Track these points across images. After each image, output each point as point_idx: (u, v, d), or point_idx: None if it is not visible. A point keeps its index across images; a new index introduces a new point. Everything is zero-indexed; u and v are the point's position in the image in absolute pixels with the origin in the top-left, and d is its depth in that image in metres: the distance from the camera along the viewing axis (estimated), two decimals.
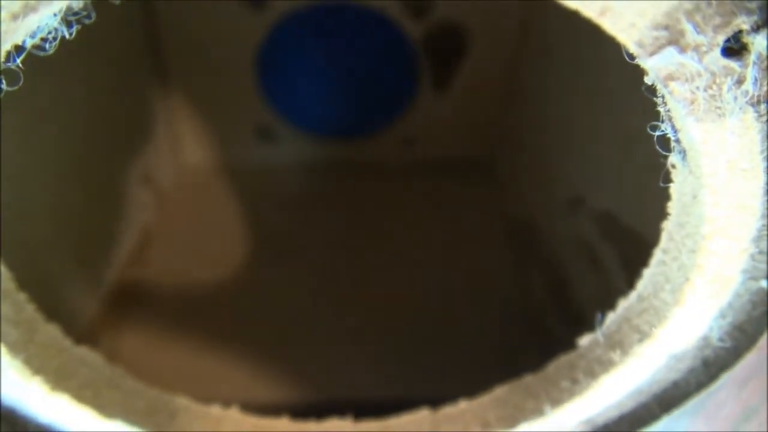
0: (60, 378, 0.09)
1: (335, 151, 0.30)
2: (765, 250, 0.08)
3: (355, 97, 0.28)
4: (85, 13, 0.07)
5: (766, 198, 0.07)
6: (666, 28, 0.06)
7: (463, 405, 0.12)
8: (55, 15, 0.07)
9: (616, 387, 0.10)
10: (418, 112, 0.29)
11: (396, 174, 0.30)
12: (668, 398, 0.10)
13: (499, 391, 0.12)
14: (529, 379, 0.12)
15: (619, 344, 0.10)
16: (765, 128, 0.07)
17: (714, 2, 0.06)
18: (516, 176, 0.28)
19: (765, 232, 0.08)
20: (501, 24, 0.25)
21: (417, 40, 0.25)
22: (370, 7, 0.24)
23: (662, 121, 0.08)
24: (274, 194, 0.29)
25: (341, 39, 0.26)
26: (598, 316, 0.11)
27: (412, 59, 0.27)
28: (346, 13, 0.25)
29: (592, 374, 0.11)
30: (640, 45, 0.06)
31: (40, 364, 0.10)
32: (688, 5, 0.06)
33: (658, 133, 0.08)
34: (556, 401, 0.11)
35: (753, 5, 0.06)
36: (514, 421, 0.11)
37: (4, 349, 0.09)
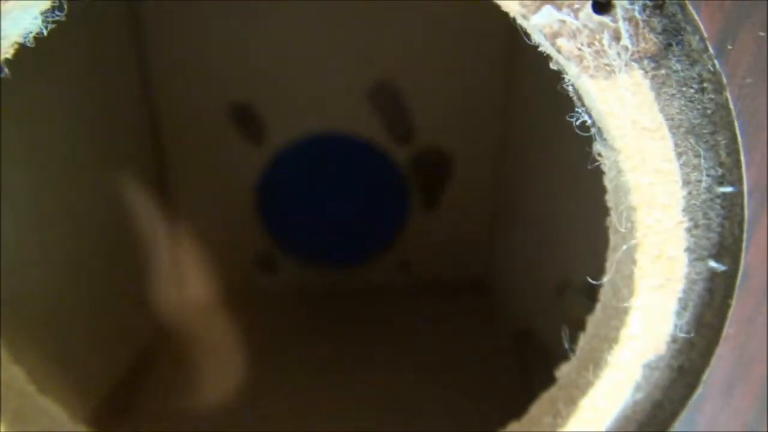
0: (17, 422, 0.09)
1: (332, 278, 0.31)
2: (701, 223, 0.08)
3: (349, 224, 0.29)
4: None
5: (681, 162, 0.07)
6: None
7: None
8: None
9: (597, 412, 0.09)
10: (410, 235, 0.30)
11: (392, 296, 0.30)
12: (656, 423, 0.10)
13: None
14: (514, 426, 0.11)
15: (591, 360, 0.10)
16: (656, 85, 0.07)
17: None
18: (513, 287, 0.28)
19: (693, 202, 0.08)
20: (481, 143, 0.27)
21: (404, 165, 0.27)
22: (358, 136, 0.26)
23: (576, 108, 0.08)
24: (273, 320, 0.29)
25: (333, 168, 0.27)
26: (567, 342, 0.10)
27: (402, 184, 0.28)
28: (337, 144, 0.27)
29: (572, 401, 0.10)
30: (523, 6, 0.07)
31: None
32: None
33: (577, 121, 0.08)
34: None
35: None
36: None
37: None
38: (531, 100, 0.22)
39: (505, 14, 0.07)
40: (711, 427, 0.09)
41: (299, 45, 0.22)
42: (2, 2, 0.07)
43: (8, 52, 0.08)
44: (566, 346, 0.10)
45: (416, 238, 0.30)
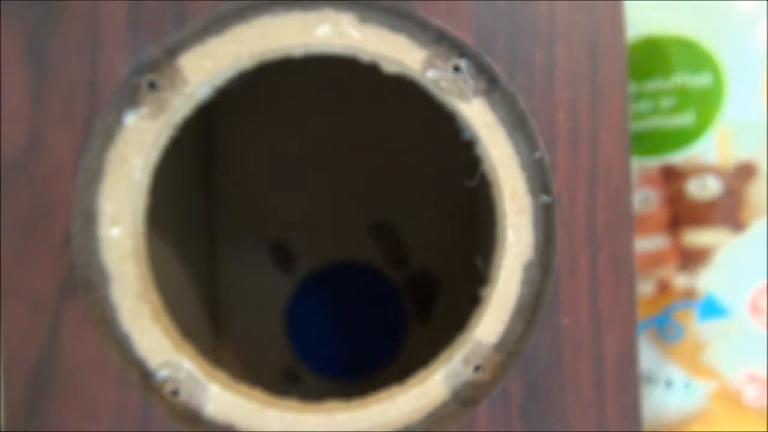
0: None
1: (345, 388, 0.36)
2: (532, 174, 0.15)
3: (360, 341, 0.36)
4: None
5: (512, 141, 0.15)
6: (427, 63, 0.15)
7: None
8: None
9: (502, 301, 0.15)
10: (409, 347, 0.35)
11: None
12: (537, 305, 0.15)
13: None
14: None
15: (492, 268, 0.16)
16: (491, 104, 0.15)
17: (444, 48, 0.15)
18: None
19: (525, 163, 0.15)
20: (464, 263, 0.34)
21: (401, 286, 0.34)
22: (365, 263, 0.34)
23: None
24: None
25: (348, 292, 0.35)
26: None
27: (400, 302, 0.35)
28: (350, 270, 0.34)
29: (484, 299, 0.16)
30: (421, 67, 0.15)
31: None
32: (426, 54, 0.15)
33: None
34: None
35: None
36: None
37: None
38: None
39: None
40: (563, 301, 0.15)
41: (318, 192, 0.31)
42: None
43: None
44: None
45: (415, 350, 0.36)
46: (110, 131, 0.15)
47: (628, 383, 0.15)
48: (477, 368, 0.15)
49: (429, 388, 0.15)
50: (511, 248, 0.15)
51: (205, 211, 0.30)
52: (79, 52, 0.14)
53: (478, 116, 0.15)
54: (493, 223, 0.16)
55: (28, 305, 0.14)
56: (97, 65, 0.14)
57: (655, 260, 0.22)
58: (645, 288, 0.23)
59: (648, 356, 0.23)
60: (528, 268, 0.15)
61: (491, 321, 0.15)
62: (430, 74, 0.15)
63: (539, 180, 0.15)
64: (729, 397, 0.22)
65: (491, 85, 0.15)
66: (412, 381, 0.15)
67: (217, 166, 0.30)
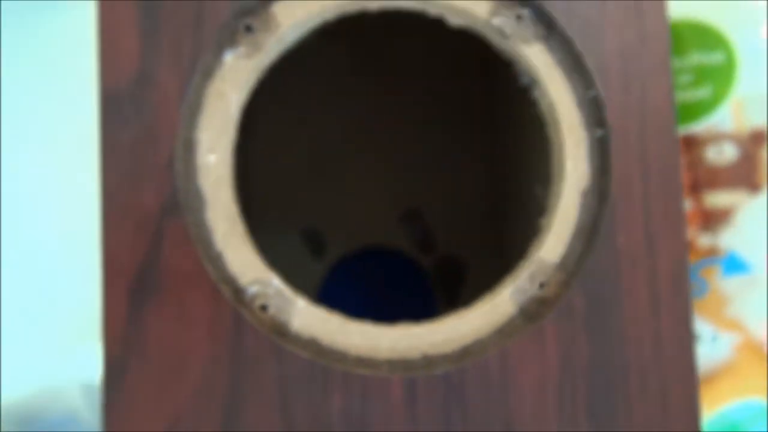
0: None
1: None
2: (587, 112, 0.17)
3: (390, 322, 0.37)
4: None
5: (571, 84, 0.17)
6: (493, 12, 0.17)
7: None
8: None
9: (566, 219, 0.17)
10: None
11: None
12: (594, 226, 0.17)
13: None
14: None
15: (555, 193, 0.17)
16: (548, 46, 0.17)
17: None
18: None
19: (581, 102, 0.17)
20: (488, 248, 0.36)
21: (429, 270, 0.35)
22: (395, 248, 0.35)
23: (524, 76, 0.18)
24: None
25: (377, 277, 0.36)
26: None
27: (429, 287, 0.36)
28: (380, 255, 0.35)
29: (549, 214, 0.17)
30: (486, 13, 0.17)
31: None
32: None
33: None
34: None
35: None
36: None
37: None
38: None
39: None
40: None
41: (349, 180, 0.32)
42: None
43: None
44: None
45: None
46: (210, 68, 0.16)
47: (681, 296, 0.16)
48: (541, 285, 0.17)
49: (497, 304, 0.17)
50: (570, 177, 0.17)
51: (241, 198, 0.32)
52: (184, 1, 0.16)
53: (539, 58, 0.17)
54: (550, 159, 0.17)
55: (133, 221, 0.16)
56: (202, 10, 0.16)
57: None
58: None
59: None
60: (586, 194, 0.17)
61: (553, 242, 0.17)
62: (496, 21, 0.17)
63: (594, 115, 0.17)
64: (754, 349, 0.24)
65: (549, 32, 0.17)
66: (481, 300, 0.17)
67: (250, 154, 0.31)
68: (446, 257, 0.35)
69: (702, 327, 0.24)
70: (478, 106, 0.29)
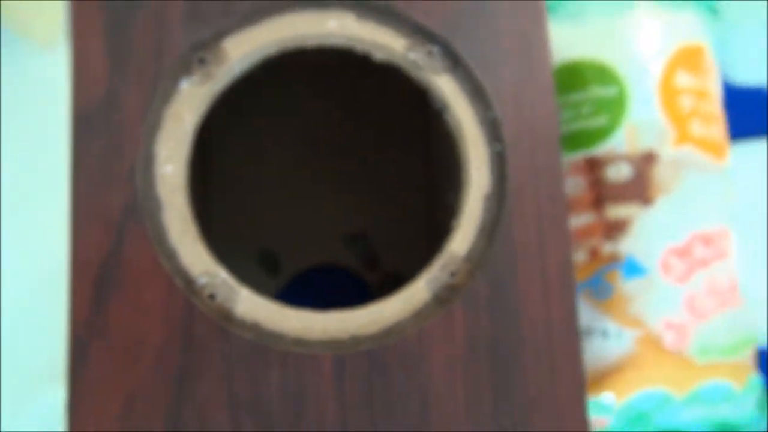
0: None
1: None
2: (483, 124, 0.20)
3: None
4: None
5: (473, 110, 0.20)
6: (408, 48, 0.20)
7: None
8: None
9: (471, 220, 0.20)
10: None
11: None
12: (494, 225, 0.20)
13: None
14: None
15: (463, 199, 0.20)
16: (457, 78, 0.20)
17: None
18: None
19: (479, 119, 0.20)
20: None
21: (374, 285, 0.38)
22: (343, 266, 0.38)
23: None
24: None
25: (328, 291, 0.38)
26: None
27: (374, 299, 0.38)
28: (330, 272, 0.38)
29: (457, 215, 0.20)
30: (403, 48, 0.20)
31: None
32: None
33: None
34: None
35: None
36: None
37: None
38: None
39: None
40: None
41: (301, 203, 0.35)
42: None
43: None
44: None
45: None
46: (168, 94, 0.19)
47: (567, 283, 0.19)
48: (452, 274, 0.19)
49: (414, 291, 0.19)
50: (474, 184, 0.20)
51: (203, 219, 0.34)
52: (149, 34, 0.19)
53: (447, 87, 0.20)
54: (459, 170, 0.21)
55: (99, 222, 0.18)
56: (162, 43, 0.19)
57: (586, 233, 0.28)
58: (579, 256, 0.28)
59: (586, 312, 0.27)
60: (487, 198, 0.20)
61: (461, 238, 0.20)
62: (411, 56, 0.20)
63: (493, 133, 0.20)
64: (652, 342, 0.27)
65: (455, 65, 0.20)
66: (401, 289, 0.20)
67: (211, 179, 0.34)
68: (390, 273, 0.37)
69: (608, 324, 0.27)
70: (415, 131, 0.33)
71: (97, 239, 0.18)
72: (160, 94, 0.19)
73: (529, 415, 0.18)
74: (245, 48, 0.20)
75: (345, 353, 0.18)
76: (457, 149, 0.21)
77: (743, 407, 0.29)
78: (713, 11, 0.33)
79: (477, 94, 0.20)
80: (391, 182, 0.34)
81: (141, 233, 0.18)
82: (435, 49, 0.20)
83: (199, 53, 0.19)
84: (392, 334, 0.19)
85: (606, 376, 0.27)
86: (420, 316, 0.19)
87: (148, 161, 0.19)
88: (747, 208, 0.35)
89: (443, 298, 0.19)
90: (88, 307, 0.18)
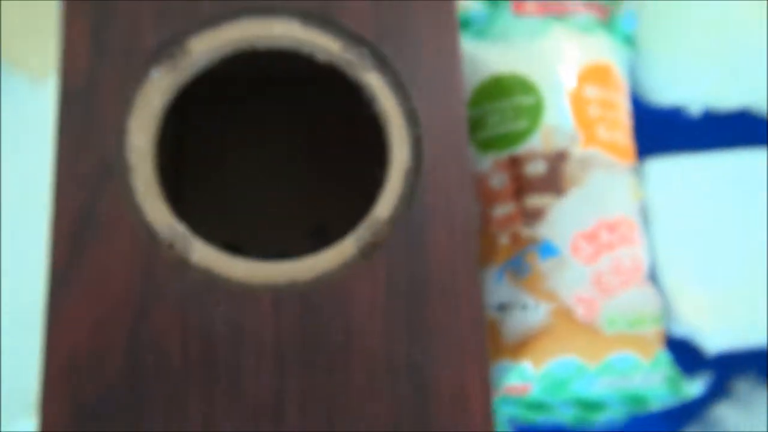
0: None
1: None
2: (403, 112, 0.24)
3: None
4: None
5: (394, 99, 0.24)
6: (344, 50, 0.24)
7: None
8: None
9: (391, 191, 0.24)
10: None
11: None
12: (412, 194, 0.24)
13: None
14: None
15: (389, 175, 0.24)
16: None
17: None
18: None
19: (403, 111, 0.24)
20: None
21: None
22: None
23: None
24: None
25: None
26: None
27: None
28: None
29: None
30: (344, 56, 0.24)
31: None
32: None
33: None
34: None
35: None
36: None
37: None
38: None
39: None
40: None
41: (268, 204, 0.38)
42: None
43: None
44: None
45: None
46: (141, 81, 0.23)
47: (470, 243, 0.23)
48: (375, 233, 0.23)
49: (344, 247, 0.23)
50: (396, 161, 0.24)
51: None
52: (125, 31, 0.23)
53: (375, 82, 0.25)
54: (385, 150, 0.25)
55: (78, 182, 0.22)
56: (136, 39, 0.23)
57: (508, 220, 0.32)
58: (502, 240, 0.32)
59: (508, 289, 0.31)
60: (407, 172, 0.24)
61: (384, 205, 0.24)
62: (346, 56, 0.25)
63: (412, 120, 0.24)
64: (565, 314, 0.30)
65: (381, 63, 0.25)
66: (333, 245, 0.23)
67: (185, 176, 0.38)
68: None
69: (527, 299, 0.31)
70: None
71: (74, 196, 0.22)
72: (133, 80, 0.23)
73: (436, 347, 0.22)
74: (206, 46, 0.24)
75: (282, 293, 0.22)
76: (383, 133, 0.25)
77: (652, 380, 0.32)
78: (627, 39, 0.38)
79: (399, 88, 0.25)
80: (351, 179, 0.38)
81: (113, 192, 0.22)
82: (365, 50, 0.25)
83: (168, 48, 0.24)
84: (323, 279, 0.22)
85: (525, 344, 0.30)
86: (347, 266, 0.23)
87: (120, 133, 0.23)
88: (668, 209, 0.40)
89: (366, 252, 0.23)
90: (67, 252, 0.21)
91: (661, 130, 0.43)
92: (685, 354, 0.39)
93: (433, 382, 0.22)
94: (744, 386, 0.39)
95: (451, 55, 0.25)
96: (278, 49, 0.25)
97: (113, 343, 0.21)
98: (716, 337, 0.39)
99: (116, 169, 0.22)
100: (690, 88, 0.42)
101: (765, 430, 0.38)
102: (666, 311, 0.37)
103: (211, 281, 0.22)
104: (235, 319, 0.21)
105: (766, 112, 0.42)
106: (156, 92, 0.23)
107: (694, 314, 0.39)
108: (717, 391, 0.39)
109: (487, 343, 0.22)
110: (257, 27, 0.24)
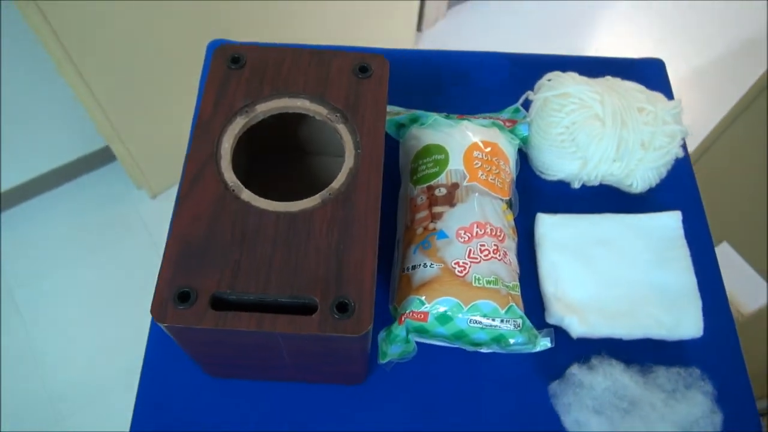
0: None
1: None
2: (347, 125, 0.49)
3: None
4: None
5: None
6: (329, 114, 0.50)
7: None
8: None
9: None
10: None
11: None
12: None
13: None
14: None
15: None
16: None
17: None
18: None
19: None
20: None
21: None
22: None
23: None
24: None
25: None
26: None
27: None
28: None
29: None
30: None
31: None
32: None
33: None
34: None
35: None
36: None
37: None
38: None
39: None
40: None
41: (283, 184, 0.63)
42: None
43: None
44: None
45: None
46: (231, 120, 0.50)
47: (375, 204, 0.47)
48: (330, 194, 0.47)
49: (315, 199, 0.47)
50: (347, 164, 0.49)
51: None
52: (227, 100, 0.50)
53: (342, 129, 0.50)
54: (342, 160, 0.49)
55: (197, 160, 0.48)
56: (232, 104, 0.50)
57: (424, 220, 0.55)
58: (419, 231, 0.54)
59: (419, 256, 0.53)
60: (351, 169, 0.48)
61: (337, 182, 0.48)
62: (330, 116, 0.50)
63: (357, 146, 0.49)
64: (449, 271, 0.52)
65: (345, 119, 0.50)
66: (311, 197, 0.47)
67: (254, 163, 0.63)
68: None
69: (428, 261, 0.53)
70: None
71: (196, 164, 0.47)
72: (228, 120, 0.50)
73: (351, 242, 0.45)
74: (263, 108, 0.51)
75: (281, 216, 0.46)
76: (342, 151, 0.50)
77: (508, 325, 0.52)
78: (522, 139, 0.63)
79: (353, 132, 0.50)
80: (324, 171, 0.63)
81: (212, 165, 0.48)
82: (339, 114, 0.50)
83: (245, 108, 0.50)
84: (303, 212, 0.46)
85: (424, 287, 0.52)
86: (314, 207, 0.47)
87: (219, 141, 0.49)
88: (550, 245, 0.61)
89: (325, 202, 0.47)
90: (188, 186, 0.46)
91: (551, 195, 0.65)
92: (559, 334, 0.58)
93: (347, 257, 0.44)
94: (595, 358, 0.57)
95: (379, 121, 0.50)
96: (297, 111, 0.51)
97: (202, 227, 0.45)
98: (575, 327, 0.58)
99: (214, 156, 0.48)
100: (567, 171, 0.65)
101: (602, 382, 0.55)
102: (546, 305, 0.57)
103: (248, 206, 0.46)
104: (257, 224, 0.45)
105: (619, 188, 0.65)
106: (237, 125, 0.50)
107: (561, 311, 0.58)
108: (576, 359, 0.57)
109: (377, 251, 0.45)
110: (288, 101, 0.51)
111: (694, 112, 1.76)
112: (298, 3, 1.43)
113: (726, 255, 1.29)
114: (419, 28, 2.03)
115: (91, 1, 1.12)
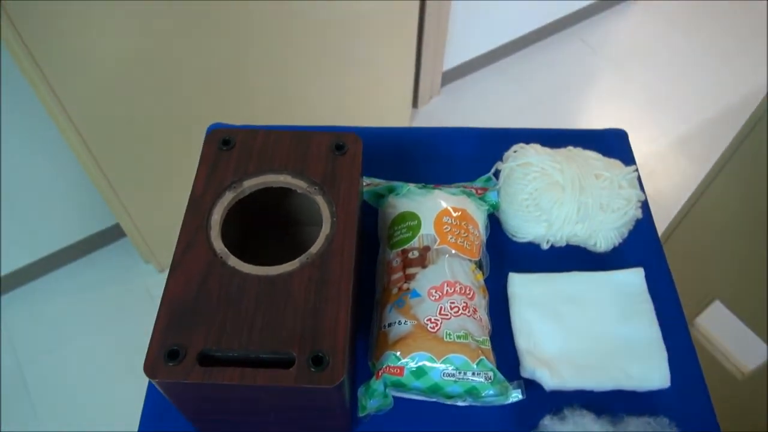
0: None
1: None
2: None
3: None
4: None
5: None
6: (309, 188, 0.56)
7: None
8: None
9: None
10: None
11: None
12: None
13: None
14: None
15: None
16: None
17: None
18: None
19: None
20: None
21: None
22: None
23: None
24: None
25: None
26: None
27: None
28: None
29: None
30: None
31: None
32: None
33: None
34: None
35: None
36: None
37: None
38: None
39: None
40: None
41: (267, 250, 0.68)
42: None
43: None
44: None
45: None
46: (221, 195, 0.55)
47: (349, 265, 0.52)
48: (308, 258, 0.52)
49: (294, 264, 0.52)
50: (324, 231, 0.54)
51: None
52: (218, 177, 0.56)
53: (320, 200, 0.56)
54: (319, 227, 0.55)
55: (189, 230, 0.53)
56: (222, 181, 0.57)
57: (398, 281, 0.59)
58: (394, 291, 0.59)
59: (394, 315, 0.57)
60: (327, 236, 0.54)
61: (315, 247, 0.53)
62: (309, 189, 0.56)
63: (333, 215, 0.55)
64: (422, 328, 0.56)
65: (323, 191, 0.56)
66: (290, 263, 0.52)
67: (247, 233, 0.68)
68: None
69: (402, 318, 0.57)
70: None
71: (187, 234, 0.53)
72: (218, 194, 0.55)
73: (326, 301, 0.49)
74: (250, 183, 0.57)
75: (262, 279, 0.51)
76: (320, 219, 0.55)
77: (479, 378, 0.56)
78: (492, 205, 0.68)
79: (330, 203, 0.55)
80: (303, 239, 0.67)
81: (202, 234, 0.53)
82: (317, 187, 0.56)
83: (233, 184, 0.56)
84: (282, 275, 0.51)
85: (399, 343, 0.56)
86: (294, 270, 0.51)
87: (209, 214, 0.54)
88: (521, 303, 0.65)
89: (303, 265, 0.52)
90: (180, 252, 0.52)
91: (523, 256, 0.70)
92: (535, 387, 0.61)
93: (323, 315, 0.49)
94: (567, 409, 0.60)
95: (353, 192, 0.56)
96: (280, 186, 0.57)
97: (191, 290, 0.50)
98: (546, 379, 0.61)
99: (205, 227, 0.53)
100: (534, 233, 0.70)
101: None
102: (520, 359, 0.61)
103: (234, 271, 0.51)
104: (242, 287, 0.50)
105: (585, 247, 0.69)
106: (226, 199, 0.56)
107: (533, 365, 0.62)
108: (550, 411, 0.60)
109: (352, 317, 0.49)
110: (272, 177, 0.57)
111: (683, 176, 1.83)
112: (306, 85, 1.54)
113: (719, 313, 1.31)
114: (414, 104, 2.14)
115: (102, 84, 1.22)
